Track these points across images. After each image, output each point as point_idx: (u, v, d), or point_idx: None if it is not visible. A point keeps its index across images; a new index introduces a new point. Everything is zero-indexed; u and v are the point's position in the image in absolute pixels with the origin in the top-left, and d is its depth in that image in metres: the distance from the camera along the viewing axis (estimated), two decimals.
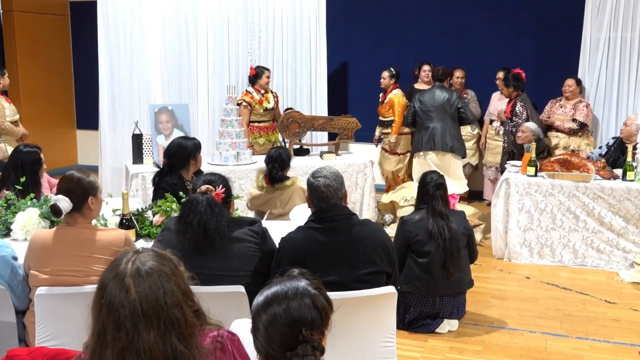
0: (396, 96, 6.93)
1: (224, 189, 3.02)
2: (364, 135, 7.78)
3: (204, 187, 2.96)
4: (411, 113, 6.65)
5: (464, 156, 6.66)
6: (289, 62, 7.53)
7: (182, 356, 1.49)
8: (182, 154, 4.37)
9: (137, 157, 5.97)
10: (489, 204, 6.56)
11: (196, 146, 4.43)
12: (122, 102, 7.28)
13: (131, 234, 3.44)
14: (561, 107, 6.75)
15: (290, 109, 6.96)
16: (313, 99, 7.59)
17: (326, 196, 2.90)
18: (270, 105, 6.75)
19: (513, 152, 6.35)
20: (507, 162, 6.09)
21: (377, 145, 7.38)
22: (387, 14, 8.13)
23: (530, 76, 7.09)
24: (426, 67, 7.41)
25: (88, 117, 9.23)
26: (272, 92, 6.90)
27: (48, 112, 9.23)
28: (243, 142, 6.10)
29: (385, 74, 7.02)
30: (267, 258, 2.95)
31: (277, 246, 2.97)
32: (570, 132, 6.58)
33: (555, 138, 6.68)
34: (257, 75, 6.79)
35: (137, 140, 5.96)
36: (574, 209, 5.43)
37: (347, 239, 2.87)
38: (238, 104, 6.76)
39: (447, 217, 3.99)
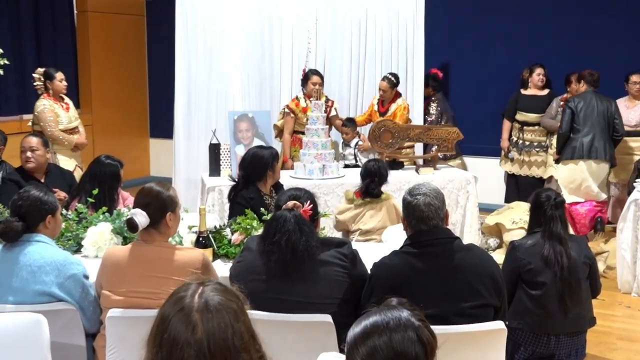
0: (400, 108, 6.81)
1: (311, 205, 3.03)
2: (466, 148, 7.75)
3: (290, 203, 2.97)
4: (568, 120, 6.67)
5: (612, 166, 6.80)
6: (383, 65, 7.53)
7: None
8: (258, 165, 4.42)
9: (214, 168, 6.05)
10: (615, 229, 6.35)
11: (273, 156, 4.48)
12: (199, 108, 7.42)
13: (208, 253, 3.47)
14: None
15: (350, 119, 6.98)
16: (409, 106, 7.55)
17: (426, 216, 2.87)
18: (324, 114, 6.76)
19: None
20: (637, 180, 5.86)
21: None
22: (494, 11, 8.07)
23: None
24: (540, 70, 7.35)
25: (162, 125, 9.48)
26: (325, 100, 6.91)
27: (121, 118, 9.61)
28: (330, 154, 6.14)
29: (385, 84, 6.83)
30: (357, 285, 2.93)
31: (369, 272, 2.95)
32: None
33: None
34: (304, 79, 6.86)
35: (214, 150, 6.05)
36: None
37: (449, 266, 2.83)
38: (283, 111, 6.88)
39: (566, 243, 3.86)
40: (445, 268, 2.83)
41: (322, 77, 6.92)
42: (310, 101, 6.53)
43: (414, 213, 2.90)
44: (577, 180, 6.71)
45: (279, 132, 7.05)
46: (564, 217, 3.94)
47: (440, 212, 2.91)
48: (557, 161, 6.95)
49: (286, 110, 6.84)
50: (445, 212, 2.95)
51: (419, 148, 7.51)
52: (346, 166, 6.58)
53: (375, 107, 7.10)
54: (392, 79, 6.87)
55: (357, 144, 6.95)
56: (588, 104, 6.65)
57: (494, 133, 7.84)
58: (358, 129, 7.03)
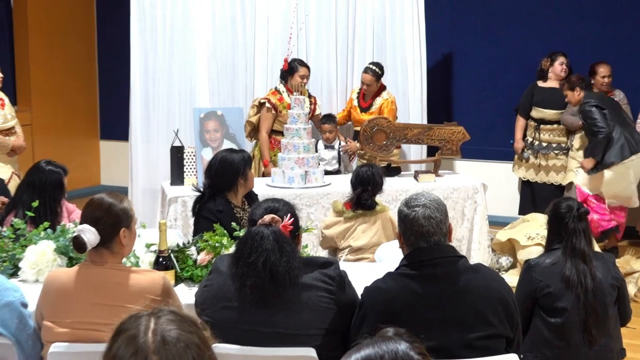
0: (387, 103, 6.87)
1: (292, 219, 3.03)
2: (474, 150, 7.73)
3: (267, 218, 2.96)
4: (603, 118, 6.71)
5: None
6: (374, 53, 7.56)
7: None
8: (226, 172, 4.41)
9: (177, 176, 6.03)
10: None
11: (245, 160, 4.48)
12: (159, 105, 7.39)
13: (170, 276, 3.46)
14: None
15: (330, 116, 6.99)
16: (405, 101, 7.61)
17: (426, 232, 2.88)
18: (306, 111, 6.77)
19: None
20: None
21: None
22: None
23: None
24: (563, 59, 7.41)
25: (115, 125, 9.42)
26: (309, 97, 6.96)
27: (65, 117, 9.54)
28: (313, 158, 6.15)
29: (369, 77, 6.89)
30: (345, 312, 2.93)
31: (360, 298, 2.95)
32: None
33: None
34: (289, 71, 6.86)
35: (176, 154, 6.03)
36: None
37: (453, 290, 2.84)
38: (260, 104, 6.87)
39: (591, 261, 3.86)
40: (449, 292, 2.83)
41: (309, 70, 6.95)
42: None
43: (411, 228, 2.90)
44: (624, 185, 6.79)
45: (252, 130, 7.04)
46: (588, 230, 3.94)
47: (442, 226, 2.91)
48: (593, 169, 6.86)
49: (267, 104, 6.83)
50: (448, 227, 2.96)
51: (417, 150, 7.54)
52: (327, 173, 6.59)
53: (356, 102, 7.12)
54: (377, 69, 6.92)
55: (340, 145, 6.96)
56: (603, 99, 6.80)
57: (506, 133, 7.86)
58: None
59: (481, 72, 8.30)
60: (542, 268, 3.90)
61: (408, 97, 7.59)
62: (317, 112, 7.09)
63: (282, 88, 6.94)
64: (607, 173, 6.79)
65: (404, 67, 7.58)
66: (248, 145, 6.95)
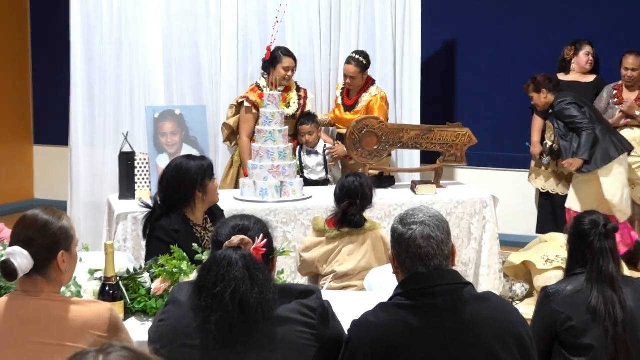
0: (376, 99, 6.89)
1: (265, 240, 2.99)
2: (482, 157, 7.78)
3: (235, 239, 2.90)
4: (586, 114, 6.92)
5: None
6: (360, 43, 7.58)
7: None
8: (182, 183, 4.40)
9: (126, 188, 6.02)
10: None
11: (204, 169, 4.46)
12: (105, 103, 7.31)
13: (118, 308, 3.44)
14: None
15: (309, 115, 7.00)
16: (398, 99, 7.61)
17: (425, 254, 2.88)
18: (290, 111, 6.80)
19: None
20: None
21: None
22: None
23: None
24: (589, 49, 7.53)
25: (52, 127, 9.40)
26: (297, 90, 7.00)
27: None
28: (290, 167, 6.14)
29: (352, 68, 6.91)
30: (329, 350, 2.91)
31: (347, 333, 2.93)
32: None
33: None
34: (270, 62, 6.87)
35: (126, 161, 6.03)
36: None
37: (458, 323, 2.84)
38: (239, 103, 6.90)
39: (620, 287, 3.85)
40: (452, 326, 2.83)
41: (295, 61, 6.95)
42: (279, 91, 6.51)
43: (407, 250, 2.90)
44: (621, 187, 6.96)
45: (231, 134, 7.06)
46: (616, 250, 3.93)
47: (444, 247, 2.91)
48: (581, 169, 6.99)
49: (246, 104, 6.84)
50: (451, 248, 2.96)
51: (414, 157, 7.56)
52: (313, 183, 6.57)
53: (340, 100, 7.13)
54: (361, 59, 6.93)
55: (325, 148, 6.97)
56: (579, 98, 7.12)
57: (520, 135, 7.91)
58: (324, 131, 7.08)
59: (489, 63, 8.37)
60: (562, 297, 3.88)
61: (401, 95, 7.64)
62: (308, 107, 7.11)
63: (263, 83, 6.93)
64: (603, 178, 6.92)
65: (394, 59, 7.61)
66: (224, 152, 7.01)
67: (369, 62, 6.99)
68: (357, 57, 6.93)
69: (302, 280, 5.27)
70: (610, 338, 3.80)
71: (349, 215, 4.81)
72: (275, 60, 6.85)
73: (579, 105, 6.92)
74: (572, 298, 3.87)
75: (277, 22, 7.10)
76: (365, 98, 6.97)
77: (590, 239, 3.89)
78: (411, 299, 2.88)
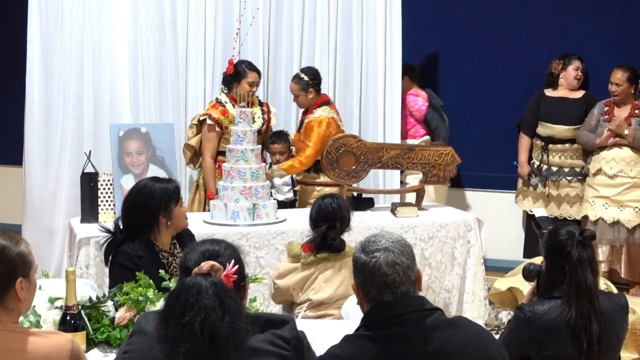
0: (312, 123, 6.76)
1: (236, 266, 2.94)
2: (466, 177, 7.97)
3: (205, 265, 2.85)
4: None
5: None
6: (337, 58, 7.66)
7: None
8: (144, 207, 4.42)
9: (89, 211, 6.01)
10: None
11: (170, 192, 4.47)
12: (64, 120, 7.27)
13: (80, 339, 3.47)
14: None
15: (281, 133, 7.00)
16: (380, 116, 7.65)
17: (391, 282, 2.92)
18: (256, 127, 6.61)
19: None
20: None
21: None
22: None
23: None
24: (578, 64, 7.62)
25: (5, 145, 9.44)
26: (260, 105, 7.01)
27: None
28: (263, 188, 6.14)
29: (293, 85, 6.92)
30: None
31: None
32: None
33: None
34: (234, 76, 6.82)
35: (88, 183, 6.02)
36: None
37: (428, 353, 2.88)
38: (200, 121, 6.93)
39: (597, 298, 3.90)
40: (421, 355, 2.88)
41: (260, 75, 7.00)
42: (241, 106, 6.41)
43: (372, 279, 2.94)
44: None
45: (194, 155, 7.05)
46: (594, 260, 3.98)
47: (410, 273, 2.96)
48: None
49: (209, 121, 6.82)
50: (417, 273, 3.01)
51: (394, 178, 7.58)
52: (279, 204, 6.52)
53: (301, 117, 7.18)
54: (303, 76, 6.87)
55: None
56: None
57: (506, 154, 8.02)
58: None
59: (474, 77, 8.43)
60: (541, 323, 3.93)
61: (379, 110, 7.67)
62: (273, 122, 7.11)
63: (224, 98, 6.92)
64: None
65: (374, 72, 7.66)
66: (184, 174, 7.07)
67: (313, 80, 6.90)
68: (301, 74, 6.91)
69: (275, 309, 5.29)
70: (584, 357, 3.87)
71: (329, 240, 4.84)
72: (239, 75, 6.83)
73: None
74: (550, 321, 3.90)
75: (238, 33, 7.18)
76: (308, 118, 6.89)
77: (567, 249, 3.96)
78: (378, 329, 2.94)
